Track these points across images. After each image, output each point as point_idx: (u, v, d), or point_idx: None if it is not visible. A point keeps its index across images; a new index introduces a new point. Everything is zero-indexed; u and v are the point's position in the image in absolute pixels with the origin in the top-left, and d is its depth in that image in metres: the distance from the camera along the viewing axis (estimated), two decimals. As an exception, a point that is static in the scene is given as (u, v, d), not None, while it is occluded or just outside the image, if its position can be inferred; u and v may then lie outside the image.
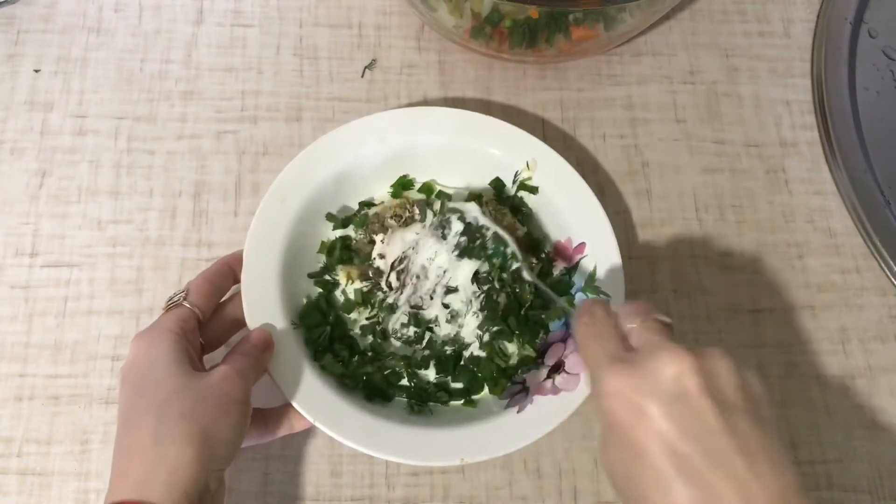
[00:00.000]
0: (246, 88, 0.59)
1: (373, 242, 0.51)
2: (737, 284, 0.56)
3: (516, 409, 0.47)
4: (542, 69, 0.62)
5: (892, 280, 0.56)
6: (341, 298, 0.51)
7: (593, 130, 0.60)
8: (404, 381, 0.49)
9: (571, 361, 0.48)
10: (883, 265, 0.56)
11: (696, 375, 0.34)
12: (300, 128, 0.58)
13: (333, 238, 0.52)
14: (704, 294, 0.56)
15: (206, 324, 0.45)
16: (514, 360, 0.49)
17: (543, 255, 0.52)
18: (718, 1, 0.65)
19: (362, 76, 0.61)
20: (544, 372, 0.49)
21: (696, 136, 0.61)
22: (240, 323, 0.46)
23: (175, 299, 0.44)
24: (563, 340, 0.49)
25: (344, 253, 0.51)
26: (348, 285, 0.50)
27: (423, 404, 0.48)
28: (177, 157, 0.57)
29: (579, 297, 0.50)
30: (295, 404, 0.44)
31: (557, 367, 0.48)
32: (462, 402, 0.49)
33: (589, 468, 0.51)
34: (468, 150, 0.53)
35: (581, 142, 0.60)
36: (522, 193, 0.53)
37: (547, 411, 0.46)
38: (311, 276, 0.51)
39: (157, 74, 0.59)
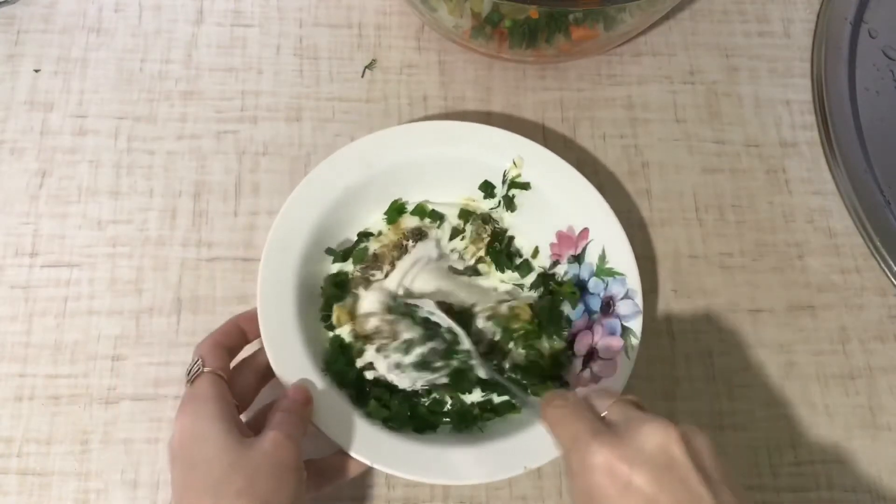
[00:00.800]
0: (246, 88, 0.59)
1: (368, 281, 0.50)
2: (737, 284, 0.56)
3: None
4: (542, 69, 0.62)
5: (892, 280, 0.56)
6: (349, 340, 0.49)
7: (593, 130, 0.60)
8: (447, 407, 0.49)
9: (603, 346, 0.48)
10: (883, 265, 0.56)
11: (681, 445, 0.34)
12: (300, 128, 0.58)
13: (325, 278, 0.51)
14: (704, 294, 0.56)
15: (230, 384, 0.44)
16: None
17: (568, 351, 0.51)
18: (718, 1, 0.65)
19: (362, 76, 0.61)
20: (578, 363, 0.49)
21: (696, 136, 0.61)
22: (266, 377, 0.46)
23: (194, 370, 0.42)
24: (589, 328, 0.50)
25: (334, 290, 0.50)
26: (344, 327, 0.49)
27: (472, 424, 0.48)
28: (177, 157, 0.57)
29: (593, 282, 0.50)
30: (352, 452, 0.44)
31: (591, 356, 0.48)
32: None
33: (589, 468, 0.51)
34: (455, 160, 0.53)
35: (581, 142, 0.60)
36: (514, 191, 0.53)
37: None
38: (323, 320, 0.50)
39: (157, 74, 0.59)
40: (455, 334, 0.48)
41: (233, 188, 0.56)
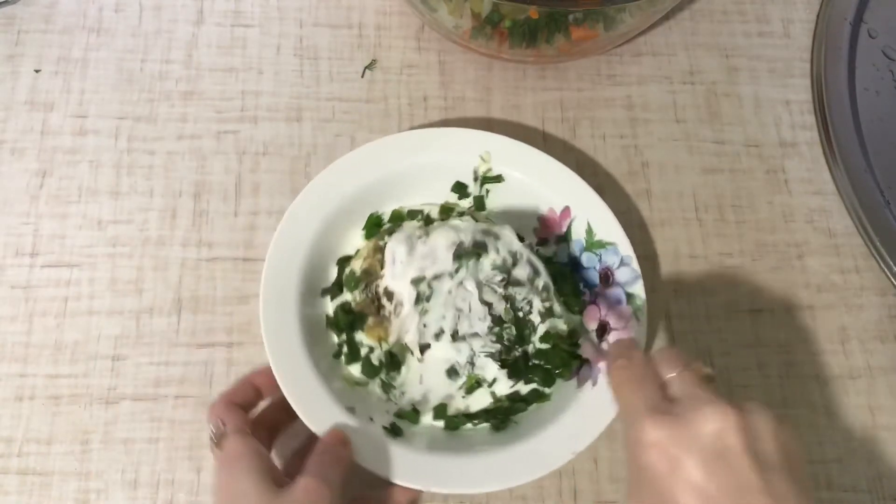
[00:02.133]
0: (246, 88, 0.59)
1: (375, 300, 0.49)
2: (737, 284, 0.56)
3: (590, 382, 0.47)
4: (542, 69, 0.62)
5: (892, 280, 0.56)
6: (377, 362, 0.49)
7: (593, 130, 0.60)
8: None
9: (613, 317, 0.49)
10: (883, 265, 0.56)
11: (739, 433, 0.34)
12: (300, 128, 0.58)
13: (334, 311, 0.50)
14: (704, 294, 0.56)
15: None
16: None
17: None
18: (718, 1, 0.65)
19: (362, 76, 0.61)
20: (593, 337, 0.49)
21: (696, 136, 0.61)
22: (275, 431, 0.46)
23: (218, 432, 0.42)
24: (593, 303, 0.50)
25: (348, 318, 0.49)
26: (382, 346, 0.49)
27: (507, 419, 0.48)
28: (177, 157, 0.57)
29: (586, 257, 0.51)
30: (398, 480, 0.44)
31: (603, 329, 0.49)
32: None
33: (589, 468, 0.51)
34: (424, 168, 0.52)
35: (581, 142, 0.60)
36: (488, 186, 0.53)
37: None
38: (336, 356, 0.49)
39: (157, 74, 0.59)
40: (534, 266, 0.48)
41: (233, 188, 0.56)
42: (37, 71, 0.59)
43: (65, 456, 0.49)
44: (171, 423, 0.50)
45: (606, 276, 0.51)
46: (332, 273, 0.52)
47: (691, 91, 0.62)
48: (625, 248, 0.50)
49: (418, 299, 0.47)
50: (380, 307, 0.49)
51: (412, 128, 0.59)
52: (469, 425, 0.48)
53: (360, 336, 0.49)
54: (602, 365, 0.47)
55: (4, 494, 0.48)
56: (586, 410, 0.46)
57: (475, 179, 0.53)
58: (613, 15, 0.53)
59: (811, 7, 0.66)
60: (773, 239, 0.58)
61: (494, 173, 0.53)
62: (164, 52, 0.60)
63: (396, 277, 0.48)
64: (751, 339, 0.55)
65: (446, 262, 0.47)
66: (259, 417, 0.46)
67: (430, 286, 0.47)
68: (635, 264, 0.50)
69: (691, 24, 0.64)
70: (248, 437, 0.42)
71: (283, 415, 0.46)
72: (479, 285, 0.47)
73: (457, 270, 0.47)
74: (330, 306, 0.51)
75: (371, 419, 0.46)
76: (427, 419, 0.48)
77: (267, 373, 0.46)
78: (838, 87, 0.61)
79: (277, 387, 0.45)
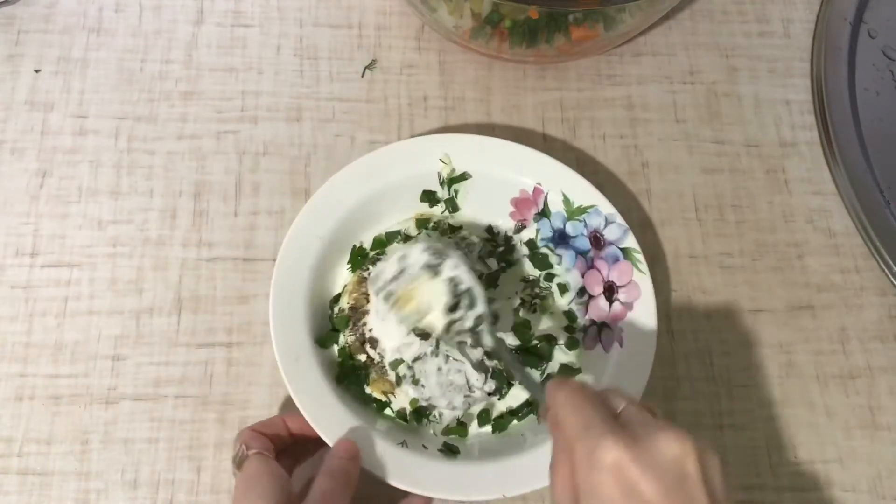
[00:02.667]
0: (246, 88, 0.59)
1: (363, 342, 0.49)
2: (737, 284, 0.56)
3: (616, 344, 0.49)
4: (542, 69, 0.62)
5: (892, 280, 0.56)
6: (393, 414, 0.49)
7: (593, 130, 0.60)
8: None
9: (616, 275, 0.50)
10: (883, 265, 0.56)
11: (697, 462, 0.34)
12: (300, 128, 0.58)
13: (340, 366, 0.50)
14: (704, 294, 0.56)
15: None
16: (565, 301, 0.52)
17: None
18: (718, 1, 0.65)
19: (362, 76, 0.61)
20: (603, 301, 0.50)
21: (695, 136, 0.61)
22: (301, 456, 0.47)
23: (240, 454, 0.43)
24: (592, 267, 0.51)
25: (353, 375, 0.49)
26: (391, 400, 0.49)
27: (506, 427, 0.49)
28: (177, 157, 0.57)
29: (571, 226, 0.52)
30: (397, 484, 0.44)
31: (611, 290, 0.50)
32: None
33: (589, 468, 0.51)
34: (393, 187, 0.52)
35: (581, 142, 0.60)
36: (456, 187, 0.53)
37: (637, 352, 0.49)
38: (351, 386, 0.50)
39: (157, 74, 0.59)
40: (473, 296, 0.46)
41: (233, 188, 0.56)
42: (37, 71, 0.59)
43: (65, 456, 0.49)
44: (171, 423, 0.50)
45: (597, 239, 0.51)
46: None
47: (691, 91, 0.62)
48: (605, 207, 0.51)
49: (405, 380, 0.47)
50: (369, 356, 0.49)
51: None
52: (514, 421, 0.49)
53: (369, 390, 0.49)
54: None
55: (4, 494, 0.48)
56: (622, 374, 0.48)
57: (442, 184, 0.53)
58: (613, 15, 0.53)
59: (811, 7, 0.66)
60: (773, 239, 0.58)
61: (459, 172, 0.53)
62: (164, 52, 0.60)
63: (380, 316, 0.48)
64: (751, 339, 0.55)
65: (424, 344, 0.47)
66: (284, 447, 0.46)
67: (412, 368, 0.47)
68: (620, 219, 0.51)
69: (691, 24, 0.64)
70: (268, 459, 0.42)
71: (308, 445, 0.46)
72: (462, 347, 0.47)
73: (437, 346, 0.47)
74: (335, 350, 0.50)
75: (425, 447, 0.46)
76: (474, 428, 0.49)
77: (297, 418, 0.46)
78: (838, 87, 0.61)
79: (310, 430, 0.45)
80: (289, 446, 0.46)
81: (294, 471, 0.46)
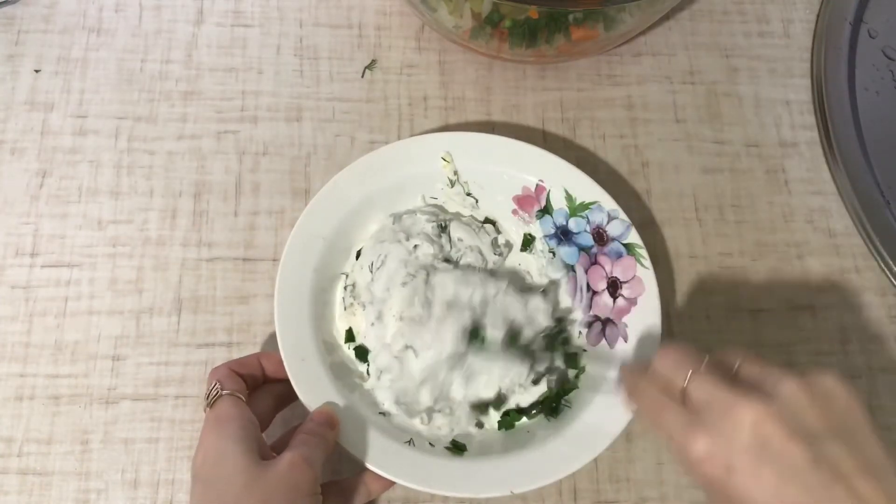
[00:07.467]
0: (246, 88, 0.59)
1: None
2: (737, 284, 0.56)
3: (620, 339, 0.49)
4: (542, 69, 0.62)
5: (892, 280, 0.56)
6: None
7: (593, 130, 0.60)
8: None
9: (619, 270, 0.50)
10: (883, 265, 0.56)
11: (771, 419, 0.34)
12: (300, 128, 0.58)
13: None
14: (704, 294, 0.56)
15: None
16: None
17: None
18: (718, 1, 0.65)
19: (362, 76, 0.61)
20: (607, 296, 0.50)
21: (696, 136, 0.61)
22: (283, 401, 0.46)
23: (213, 394, 0.42)
24: (595, 262, 0.51)
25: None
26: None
27: (559, 404, 0.49)
28: (177, 157, 0.57)
29: (573, 223, 0.52)
30: (372, 467, 0.44)
31: (614, 285, 0.50)
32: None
33: (589, 468, 0.51)
34: (395, 187, 0.52)
35: (581, 142, 0.60)
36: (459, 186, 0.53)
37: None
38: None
39: (157, 74, 0.59)
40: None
41: (233, 188, 0.56)
42: (37, 71, 0.59)
43: (65, 456, 0.49)
44: (171, 423, 0.50)
45: (600, 235, 0.52)
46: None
47: (691, 91, 0.62)
48: (608, 203, 0.51)
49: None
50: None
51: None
52: (524, 419, 0.49)
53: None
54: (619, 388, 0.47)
55: (4, 494, 0.48)
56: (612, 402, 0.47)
57: (451, 185, 0.53)
58: (613, 15, 0.53)
59: (811, 7, 0.66)
60: (773, 239, 0.58)
61: (458, 170, 0.53)
62: (164, 52, 0.60)
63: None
64: (751, 339, 0.55)
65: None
66: (268, 386, 0.46)
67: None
68: (623, 216, 0.51)
69: (691, 24, 0.64)
70: (240, 402, 0.42)
71: (291, 390, 0.46)
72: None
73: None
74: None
75: (432, 445, 0.46)
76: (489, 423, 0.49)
77: (273, 358, 0.46)
78: (838, 87, 0.61)
79: (283, 373, 0.45)
80: (275, 389, 0.46)
81: (276, 416, 0.46)
